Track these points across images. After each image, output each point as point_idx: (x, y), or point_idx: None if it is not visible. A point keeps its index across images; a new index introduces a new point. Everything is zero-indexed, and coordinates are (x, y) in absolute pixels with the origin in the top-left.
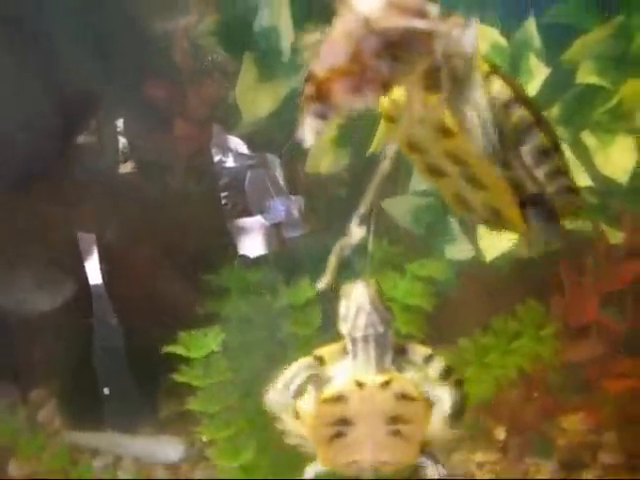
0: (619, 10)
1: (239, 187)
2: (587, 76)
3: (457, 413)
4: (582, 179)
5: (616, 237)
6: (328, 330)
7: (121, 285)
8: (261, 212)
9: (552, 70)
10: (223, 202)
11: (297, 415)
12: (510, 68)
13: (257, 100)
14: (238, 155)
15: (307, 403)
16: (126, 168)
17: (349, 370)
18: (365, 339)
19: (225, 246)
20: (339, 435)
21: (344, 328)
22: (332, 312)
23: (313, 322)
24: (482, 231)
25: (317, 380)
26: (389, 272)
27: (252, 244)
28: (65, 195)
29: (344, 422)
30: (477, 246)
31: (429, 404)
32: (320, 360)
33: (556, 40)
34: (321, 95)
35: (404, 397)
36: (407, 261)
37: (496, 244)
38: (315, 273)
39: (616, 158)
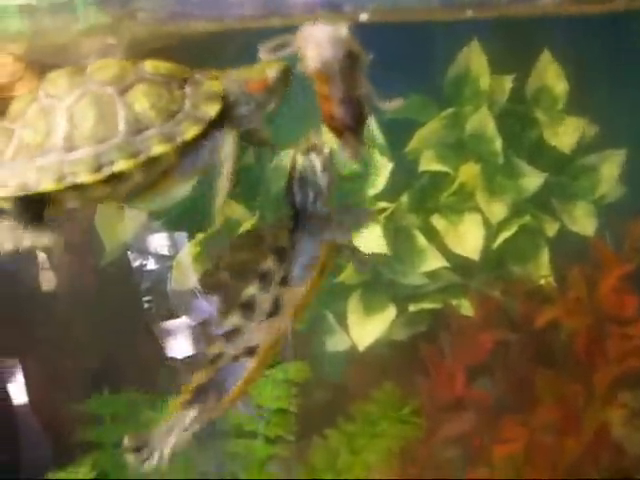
0: (451, 102)
1: (162, 289)
2: (429, 164)
3: None
4: (437, 261)
5: (467, 308)
6: None
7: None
8: (186, 312)
9: (396, 163)
10: (146, 306)
11: None
12: (358, 166)
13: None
14: (159, 257)
15: None
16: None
17: None
18: None
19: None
20: None
21: None
22: None
23: None
24: (351, 321)
25: None
26: None
27: (180, 345)
28: None
29: None
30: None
31: None
32: None
33: (397, 135)
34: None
35: None
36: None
37: (366, 333)
38: None
39: (466, 236)
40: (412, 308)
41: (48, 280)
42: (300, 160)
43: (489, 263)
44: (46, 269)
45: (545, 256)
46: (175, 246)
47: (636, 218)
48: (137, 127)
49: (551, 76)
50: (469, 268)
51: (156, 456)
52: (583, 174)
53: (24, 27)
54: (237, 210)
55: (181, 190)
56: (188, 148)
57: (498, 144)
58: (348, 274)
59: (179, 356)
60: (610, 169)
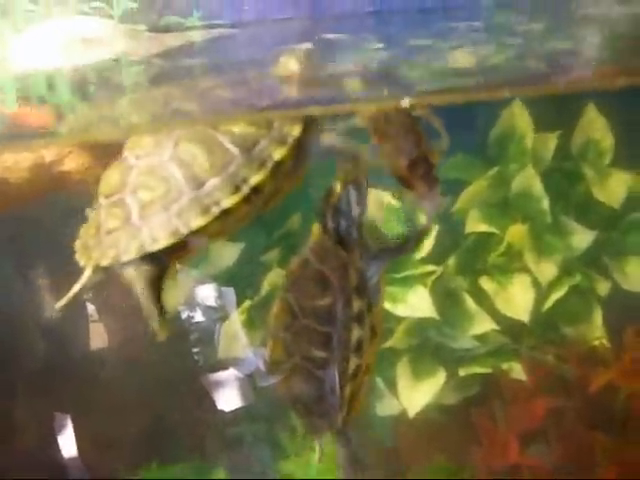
0: (496, 161)
1: (210, 341)
2: (476, 224)
3: None
4: (486, 324)
5: (518, 372)
6: None
7: None
8: (234, 364)
9: (442, 224)
10: (195, 357)
11: None
12: (404, 226)
13: None
14: (207, 309)
15: None
16: None
17: None
18: None
19: None
20: None
21: None
22: None
23: None
24: (401, 388)
25: None
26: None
27: (228, 397)
28: None
29: None
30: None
31: None
32: None
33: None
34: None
35: None
36: None
37: (416, 398)
38: None
39: (516, 298)
40: (462, 372)
41: (99, 336)
42: (338, 190)
43: (540, 325)
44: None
45: (598, 317)
46: (223, 299)
47: None
48: (247, 144)
49: (597, 130)
50: (519, 331)
51: None
52: (634, 229)
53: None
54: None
55: (230, 253)
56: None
57: (545, 203)
58: (397, 339)
59: (227, 409)
60: None
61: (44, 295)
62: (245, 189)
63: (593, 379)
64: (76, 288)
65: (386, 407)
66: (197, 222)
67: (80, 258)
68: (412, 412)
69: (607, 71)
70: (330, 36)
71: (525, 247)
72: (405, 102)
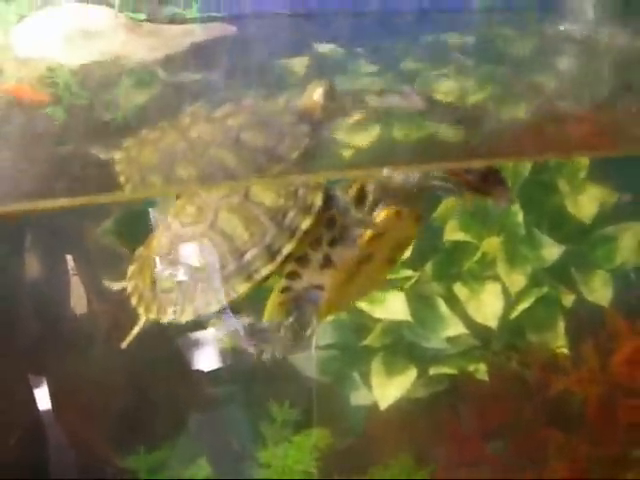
0: None
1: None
2: (454, 233)
3: None
4: (457, 327)
5: (483, 373)
6: None
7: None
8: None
9: (423, 231)
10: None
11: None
12: None
13: None
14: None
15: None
16: None
17: None
18: None
19: None
20: (353, 276)
21: None
22: None
23: None
24: (374, 383)
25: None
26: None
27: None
28: None
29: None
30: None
31: None
32: None
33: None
34: None
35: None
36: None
37: (388, 393)
38: None
39: (486, 305)
40: (432, 371)
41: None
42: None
43: (507, 331)
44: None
45: (561, 326)
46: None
47: None
48: (278, 214)
49: None
50: (487, 335)
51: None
52: (601, 243)
53: None
54: None
55: None
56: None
57: (520, 216)
58: (374, 338)
59: (205, 369)
60: (629, 240)
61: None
62: (279, 259)
63: (552, 384)
64: (135, 332)
65: (360, 398)
66: (242, 288)
67: (138, 306)
68: (383, 405)
69: None
70: (324, 49)
71: (498, 257)
72: (387, 171)
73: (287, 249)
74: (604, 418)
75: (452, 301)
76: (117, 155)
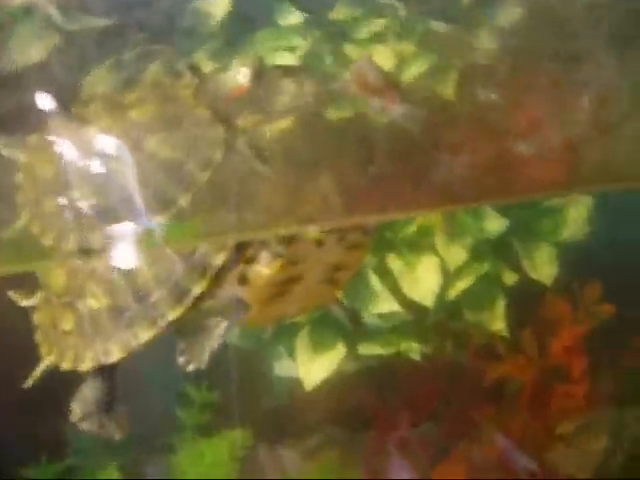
0: None
1: None
2: None
3: None
4: (389, 304)
5: (415, 352)
6: None
7: None
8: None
9: None
10: None
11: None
12: None
13: None
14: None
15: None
16: None
17: None
18: None
19: None
20: (282, 293)
21: None
22: None
23: None
24: (300, 359)
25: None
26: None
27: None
28: None
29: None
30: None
31: None
32: None
33: None
34: None
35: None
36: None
37: (314, 371)
38: None
39: (422, 281)
40: (361, 349)
41: None
42: None
43: (443, 310)
44: None
45: (501, 307)
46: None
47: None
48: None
49: None
50: (422, 313)
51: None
52: (547, 214)
53: None
54: None
55: None
56: None
57: None
58: None
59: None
60: (576, 212)
61: None
62: (187, 301)
63: (488, 370)
64: (37, 372)
65: (284, 369)
66: (146, 336)
67: (42, 346)
68: (309, 386)
69: None
70: None
71: (437, 227)
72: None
73: (196, 290)
74: (536, 404)
75: (384, 275)
76: None
